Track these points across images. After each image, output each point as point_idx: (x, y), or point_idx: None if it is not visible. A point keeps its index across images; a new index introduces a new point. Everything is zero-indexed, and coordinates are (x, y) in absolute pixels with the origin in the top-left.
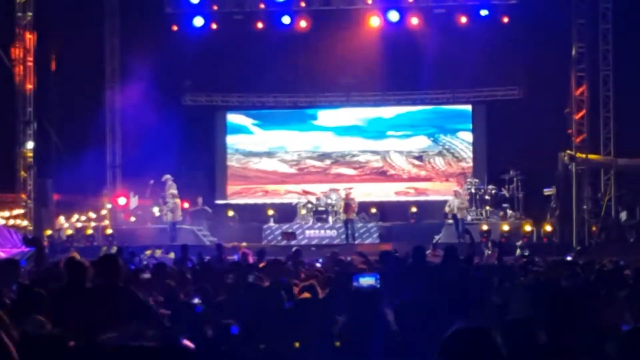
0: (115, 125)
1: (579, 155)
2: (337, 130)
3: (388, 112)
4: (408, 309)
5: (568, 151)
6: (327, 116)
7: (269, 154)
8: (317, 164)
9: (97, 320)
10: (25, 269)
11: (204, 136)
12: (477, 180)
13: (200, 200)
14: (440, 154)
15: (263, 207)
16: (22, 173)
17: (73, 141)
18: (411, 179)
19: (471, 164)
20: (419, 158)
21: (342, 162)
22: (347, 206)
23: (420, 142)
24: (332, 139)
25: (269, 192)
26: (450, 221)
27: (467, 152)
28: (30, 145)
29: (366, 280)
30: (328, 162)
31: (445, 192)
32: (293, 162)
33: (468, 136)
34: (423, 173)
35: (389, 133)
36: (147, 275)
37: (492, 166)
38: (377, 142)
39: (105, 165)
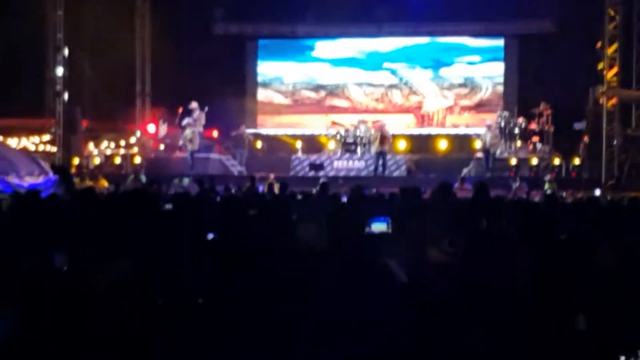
0: (146, 53)
1: (610, 90)
2: (334, 62)
3: (386, 43)
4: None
5: (599, 86)
6: (324, 47)
7: (265, 85)
8: (312, 95)
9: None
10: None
11: (234, 65)
12: (507, 113)
13: (243, 127)
14: (397, 87)
15: (291, 138)
16: (51, 99)
17: (103, 68)
18: (367, 111)
19: (421, 99)
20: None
21: (336, 94)
22: (384, 138)
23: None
24: (328, 71)
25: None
26: (480, 155)
27: (425, 87)
28: (59, 71)
29: (378, 227)
30: (323, 93)
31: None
32: (288, 93)
33: (463, 68)
34: (380, 106)
35: (385, 65)
36: (169, 206)
37: (522, 100)
38: (373, 74)
39: (135, 92)
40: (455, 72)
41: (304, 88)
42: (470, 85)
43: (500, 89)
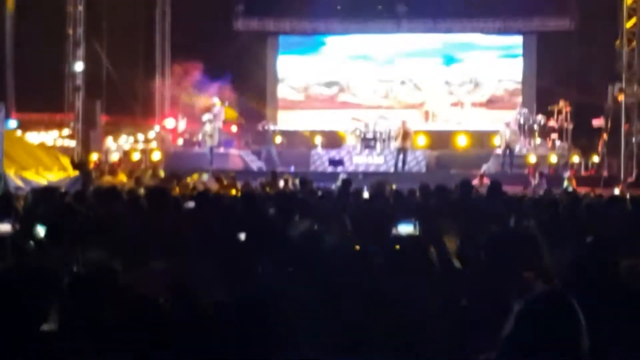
0: (165, 49)
1: (628, 87)
2: (346, 58)
3: (399, 40)
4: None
5: (618, 83)
6: (337, 43)
7: (280, 81)
8: (325, 91)
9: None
10: (70, 191)
11: (255, 61)
12: (526, 110)
13: (265, 122)
14: (403, 83)
15: (311, 134)
16: (71, 94)
17: (123, 63)
18: (372, 107)
19: (426, 96)
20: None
21: (344, 90)
22: (406, 134)
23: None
24: (340, 67)
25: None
26: (499, 151)
27: (431, 83)
28: (79, 66)
29: (405, 228)
30: (335, 89)
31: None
32: (301, 88)
33: (475, 65)
34: (386, 102)
35: (396, 61)
36: (191, 204)
37: (541, 97)
38: (382, 70)
39: (155, 87)
40: (466, 69)
41: (317, 84)
42: (478, 82)
43: (511, 86)
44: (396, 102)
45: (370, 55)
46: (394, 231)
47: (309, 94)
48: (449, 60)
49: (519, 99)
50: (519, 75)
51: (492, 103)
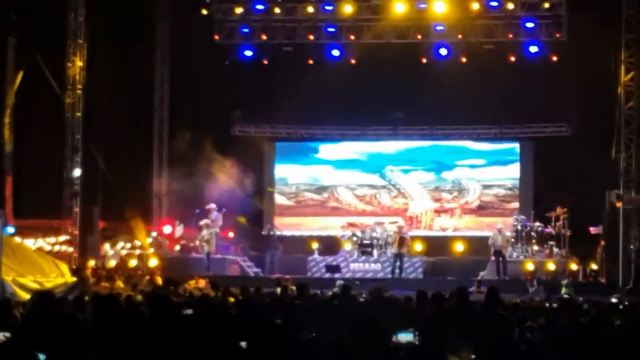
0: (163, 153)
1: (626, 194)
2: (336, 164)
3: (389, 146)
4: None
5: (615, 190)
6: (328, 150)
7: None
8: (315, 196)
9: None
10: (68, 298)
11: (252, 167)
12: (523, 217)
13: (269, 226)
14: (386, 189)
15: (308, 239)
16: (68, 200)
17: (120, 169)
18: (358, 214)
19: (408, 202)
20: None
21: (333, 196)
22: (402, 240)
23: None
24: (330, 173)
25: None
26: (493, 258)
27: (414, 189)
28: (77, 172)
29: (404, 337)
30: (325, 195)
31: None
32: (291, 194)
33: (464, 171)
34: (369, 208)
35: (388, 168)
36: (189, 311)
37: (538, 203)
38: (374, 176)
39: (152, 193)
40: (458, 175)
41: (307, 190)
42: (469, 188)
43: (502, 192)
44: (379, 207)
45: (360, 160)
46: (394, 339)
47: (299, 200)
48: (441, 166)
49: (514, 205)
50: (509, 182)
51: (482, 209)
